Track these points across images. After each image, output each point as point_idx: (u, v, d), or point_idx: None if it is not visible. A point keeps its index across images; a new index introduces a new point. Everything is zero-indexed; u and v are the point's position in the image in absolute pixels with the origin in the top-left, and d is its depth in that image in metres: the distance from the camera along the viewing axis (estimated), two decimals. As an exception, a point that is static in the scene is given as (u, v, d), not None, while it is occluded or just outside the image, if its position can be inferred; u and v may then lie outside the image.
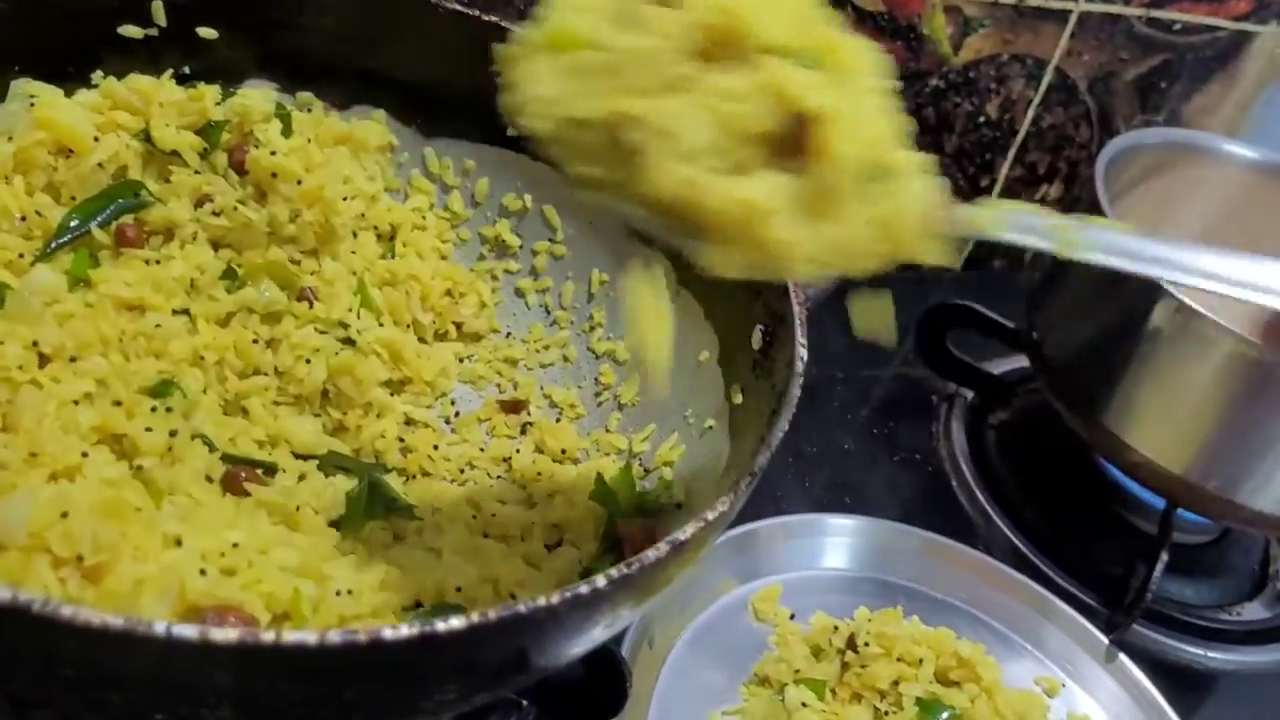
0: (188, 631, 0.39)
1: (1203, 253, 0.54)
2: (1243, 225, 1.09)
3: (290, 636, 0.40)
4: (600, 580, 0.46)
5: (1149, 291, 0.87)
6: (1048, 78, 1.25)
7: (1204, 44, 1.28)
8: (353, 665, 0.42)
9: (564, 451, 0.76)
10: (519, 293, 0.85)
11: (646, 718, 0.77)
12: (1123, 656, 0.88)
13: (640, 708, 0.77)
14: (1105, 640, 0.89)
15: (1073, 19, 1.20)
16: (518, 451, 0.76)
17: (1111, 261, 0.53)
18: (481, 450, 0.77)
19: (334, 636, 0.40)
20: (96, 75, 0.74)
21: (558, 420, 0.79)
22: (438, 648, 0.43)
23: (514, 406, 0.79)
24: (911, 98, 1.20)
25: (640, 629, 0.79)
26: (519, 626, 0.44)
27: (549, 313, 0.85)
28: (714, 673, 0.81)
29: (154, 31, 0.75)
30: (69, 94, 0.71)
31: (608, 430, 0.77)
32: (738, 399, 0.68)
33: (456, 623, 0.42)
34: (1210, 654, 0.96)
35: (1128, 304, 0.91)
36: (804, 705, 0.77)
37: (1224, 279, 0.53)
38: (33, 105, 0.69)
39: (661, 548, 0.48)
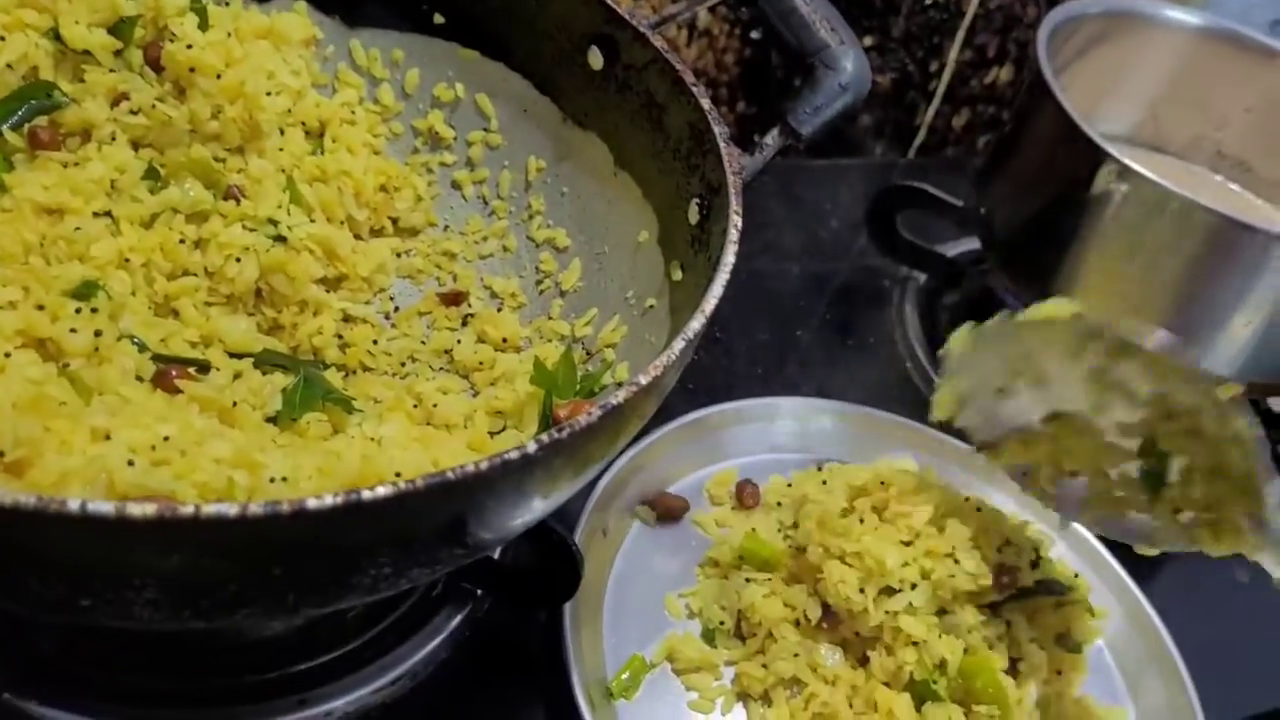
0: (104, 508, 0.38)
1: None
2: (1189, 92, 1.08)
3: (209, 509, 0.39)
4: (531, 446, 0.45)
5: (1091, 157, 0.87)
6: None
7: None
8: (277, 538, 0.42)
9: (505, 340, 0.75)
10: (455, 185, 0.84)
11: (603, 603, 0.77)
12: (1075, 525, 0.89)
13: (595, 593, 0.77)
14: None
15: (1015, -109, 1.18)
16: (459, 343, 0.75)
17: None
18: (423, 343, 0.76)
19: (255, 508, 0.40)
20: (-2, -30, 0.71)
21: (499, 310, 0.78)
22: (365, 517, 0.42)
23: (454, 298, 0.78)
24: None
25: (593, 517, 0.80)
26: (449, 493, 0.44)
27: (486, 203, 0.83)
28: (669, 557, 0.82)
29: None
30: (-33, -8, 0.69)
31: (550, 317, 0.76)
32: (677, 275, 0.67)
33: (383, 490, 0.42)
34: (1163, 518, 0.97)
35: (1070, 173, 0.90)
36: (748, 581, 0.78)
37: None
38: None
39: (593, 413, 0.48)
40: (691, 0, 0.75)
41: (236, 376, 0.66)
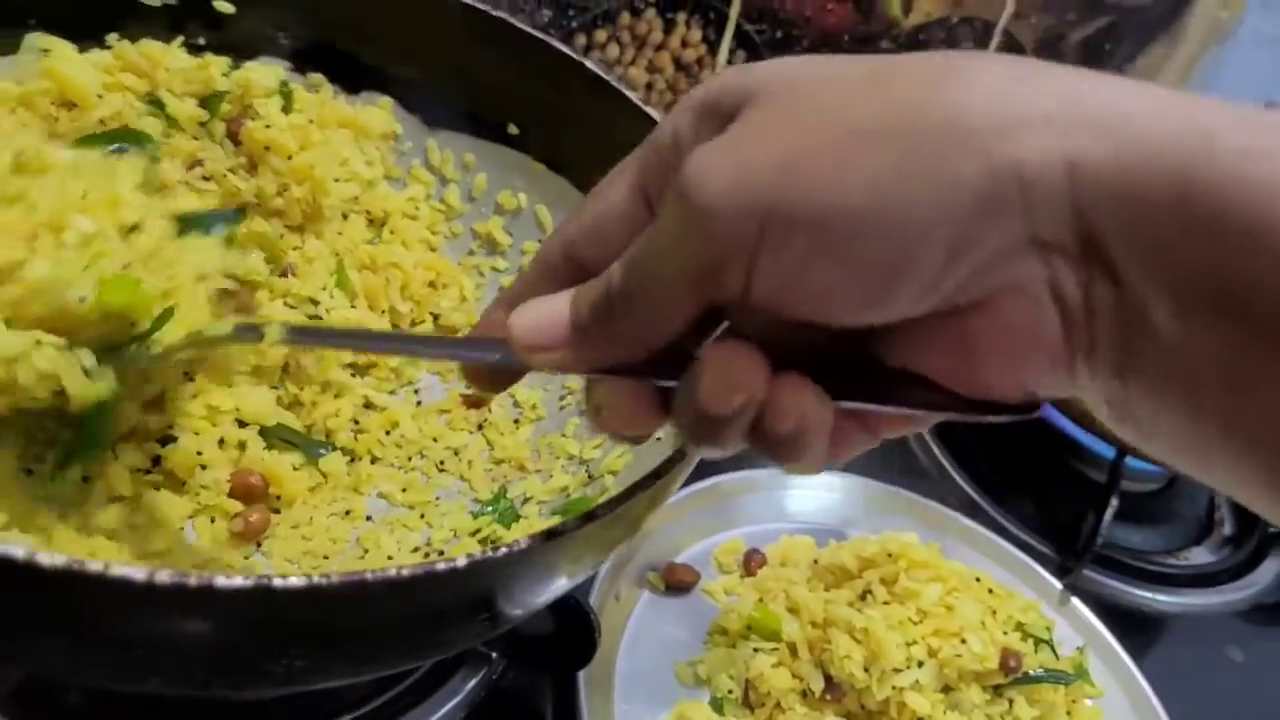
0: (14, 551, 0.37)
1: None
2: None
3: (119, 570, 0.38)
4: (461, 560, 0.44)
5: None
6: (996, 40, 1.27)
7: (1148, 6, 1.31)
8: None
9: (508, 461, 0.75)
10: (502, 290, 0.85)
11: (614, 669, 0.78)
12: (1075, 600, 0.91)
13: (608, 659, 0.78)
14: (1059, 585, 0.92)
15: (1020, -19, 1.22)
16: (465, 447, 0.76)
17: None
18: (435, 440, 0.77)
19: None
20: (111, 38, 0.74)
21: (516, 423, 0.79)
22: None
23: (476, 402, 0.79)
24: (863, 61, 1.22)
25: (607, 582, 0.81)
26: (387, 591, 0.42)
27: None
28: (678, 625, 0.83)
29: (173, 0, 0.76)
30: (82, 52, 0.72)
31: (563, 434, 0.77)
32: None
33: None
34: (1159, 597, 0.99)
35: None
36: (756, 651, 0.79)
37: None
38: (44, 56, 0.69)
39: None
40: None
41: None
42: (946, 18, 1.22)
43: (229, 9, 0.77)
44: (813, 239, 0.33)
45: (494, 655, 0.74)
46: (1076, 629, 0.90)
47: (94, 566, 0.38)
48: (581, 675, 0.74)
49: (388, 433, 0.75)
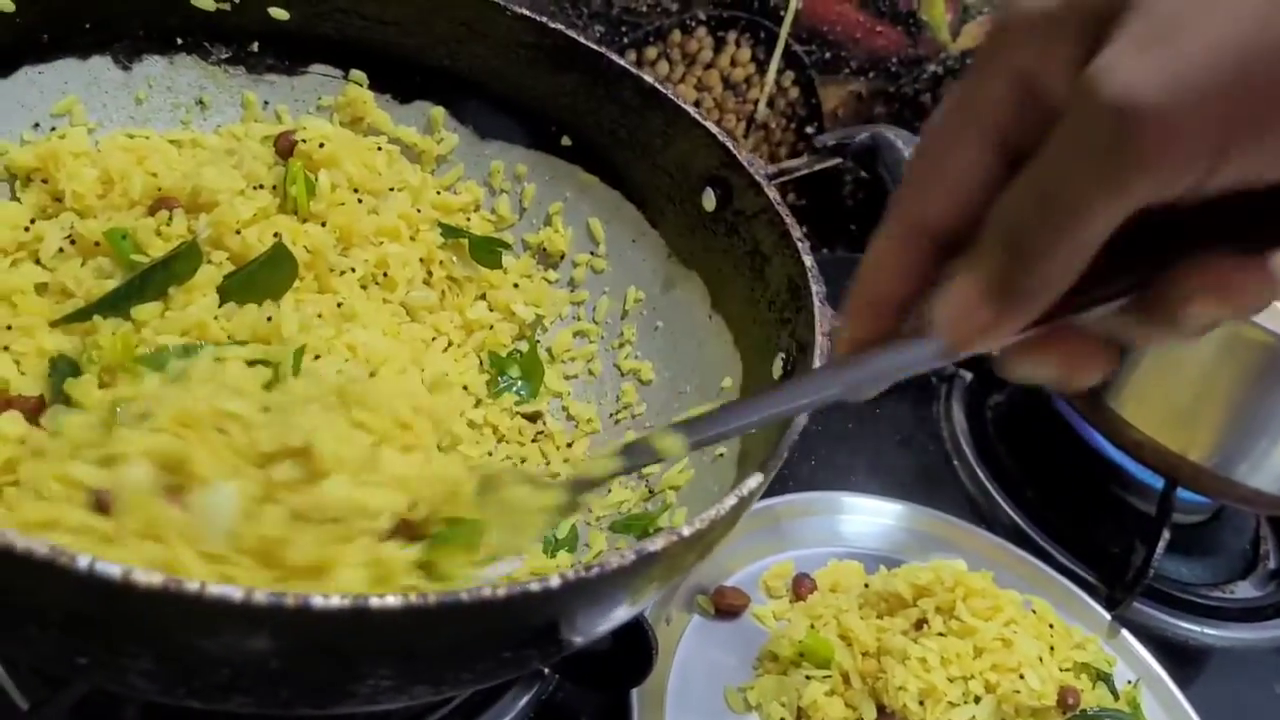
0: (111, 570, 0.37)
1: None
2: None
3: (215, 590, 0.37)
4: (554, 580, 0.43)
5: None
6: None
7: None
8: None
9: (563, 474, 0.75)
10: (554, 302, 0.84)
11: (666, 691, 0.77)
12: (1125, 632, 0.90)
13: (660, 681, 0.77)
14: (1108, 616, 0.91)
15: (1069, 7, 1.22)
16: (524, 461, 0.75)
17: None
18: (489, 454, 0.76)
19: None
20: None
21: (571, 436, 0.78)
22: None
23: (530, 416, 0.78)
24: (910, 83, 1.22)
25: (658, 605, 0.80)
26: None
27: (580, 324, 0.84)
28: (728, 649, 0.82)
29: (226, 6, 0.76)
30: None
31: None
32: None
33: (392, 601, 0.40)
34: (1206, 630, 0.98)
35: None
36: (808, 679, 0.78)
37: None
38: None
39: (627, 555, 0.45)
40: (811, 159, 0.75)
41: None
42: (993, 42, 1.21)
43: (282, 15, 0.77)
44: None
45: (547, 672, 0.74)
46: (1127, 661, 0.89)
47: (191, 586, 0.37)
48: (634, 695, 0.73)
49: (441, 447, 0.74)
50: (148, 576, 0.37)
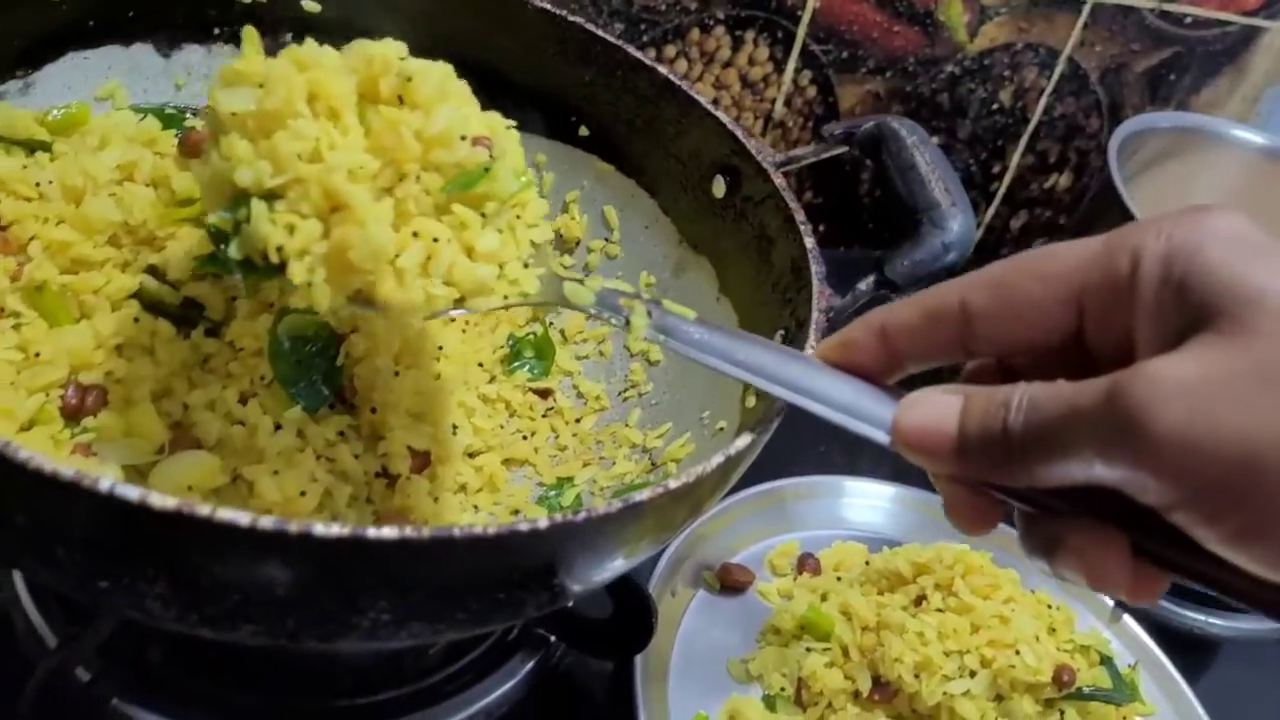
0: (130, 493, 0.40)
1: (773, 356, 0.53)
2: (1253, 210, 1.12)
3: (225, 514, 0.40)
4: (543, 522, 0.46)
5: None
6: (1060, 67, 1.28)
7: (1214, 38, 1.32)
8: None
9: (572, 448, 0.78)
10: None
11: (669, 660, 0.80)
12: (1127, 617, 0.91)
13: (663, 650, 0.80)
14: (1110, 603, 0.92)
15: (1086, 10, 1.23)
16: (533, 434, 0.79)
17: (672, 345, 0.55)
18: (501, 427, 0.79)
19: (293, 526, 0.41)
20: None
21: (580, 412, 0.81)
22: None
23: (541, 392, 0.82)
24: (927, 83, 1.24)
25: (664, 579, 0.83)
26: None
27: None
28: (732, 623, 0.85)
29: None
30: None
31: (626, 424, 0.79)
32: (750, 402, 0.69)
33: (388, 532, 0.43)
34: (1211, 620, 0.99)
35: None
36: (808, 651, 0.81)
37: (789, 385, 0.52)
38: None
39: (613, 505, 0.48)
40: (819, 147, 0.78)
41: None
42: (1011, 43, 1.23)
43: (315, 8, 0.81)
44: None
45: (552, 639, 0.76)
46: (1128, 646, 0.90)
47: (202, 510, 0.40)
48: (638, 663, 0.76)
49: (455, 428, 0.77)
50: (162, 500, 0.40)
